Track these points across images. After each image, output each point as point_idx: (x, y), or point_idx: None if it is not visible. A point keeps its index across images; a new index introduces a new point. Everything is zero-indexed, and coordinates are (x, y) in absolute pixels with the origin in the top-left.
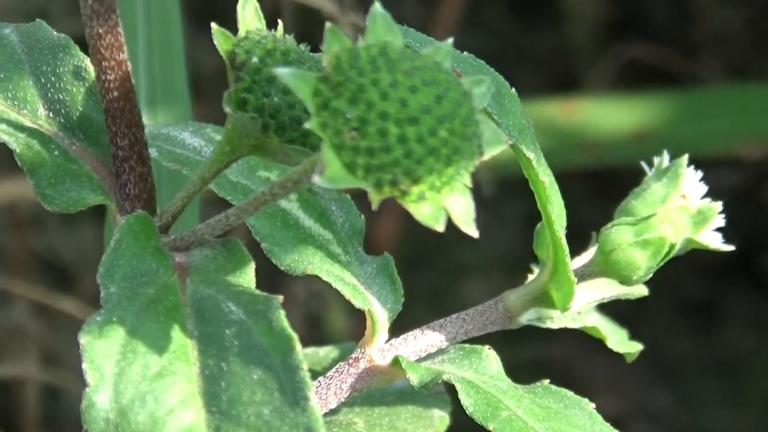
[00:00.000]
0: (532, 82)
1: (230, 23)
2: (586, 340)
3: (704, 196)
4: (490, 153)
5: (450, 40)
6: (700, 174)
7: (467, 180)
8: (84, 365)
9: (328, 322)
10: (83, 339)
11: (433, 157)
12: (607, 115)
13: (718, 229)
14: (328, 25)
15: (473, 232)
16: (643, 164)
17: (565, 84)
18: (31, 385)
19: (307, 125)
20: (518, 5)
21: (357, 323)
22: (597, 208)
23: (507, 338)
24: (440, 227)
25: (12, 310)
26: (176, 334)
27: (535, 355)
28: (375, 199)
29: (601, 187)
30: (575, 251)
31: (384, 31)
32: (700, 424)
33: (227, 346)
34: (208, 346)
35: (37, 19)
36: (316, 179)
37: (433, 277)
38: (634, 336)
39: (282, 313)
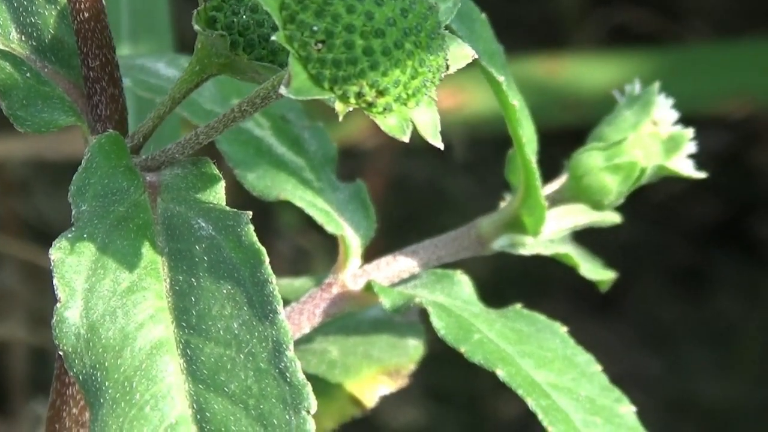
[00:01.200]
0: (518, 47)
1: None
2: (574, 306)
3: (676, 124)
4: (456, 67)
5: None
6: (671, 101)
7: (433, 93)
8: (55, 281)
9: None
10: (54, 255)
11: (399, 68)
12: (590, 74)
13: (691, 156)
14: None
15: (438, 144)
16: (615, 93)
17: (552, 49)
18: (18, 347)
19: (274, 38)
20: None
21: None
22: None
23: (494, 293)
24: (405, 138)
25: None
26: (146, 250)
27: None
28: (341, 110)
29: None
30: None
31: None
32: (690, 391)
33: (197, 262)
34: (178, 262)
35: None
36: (283, 91)
37: (415, 238)
38: (624, 303)
39: (251, 228)
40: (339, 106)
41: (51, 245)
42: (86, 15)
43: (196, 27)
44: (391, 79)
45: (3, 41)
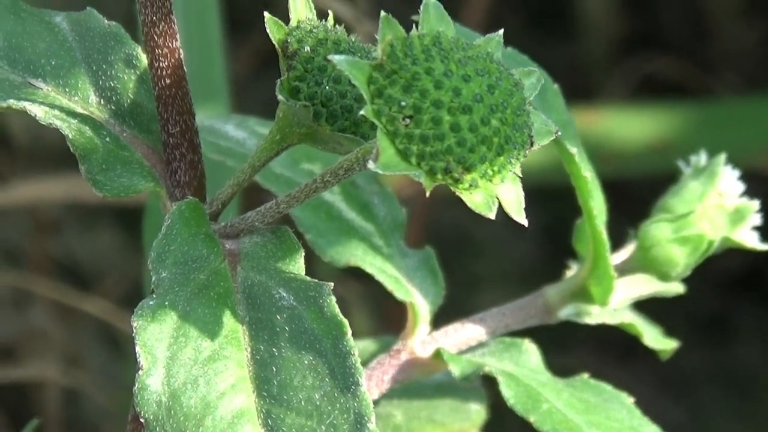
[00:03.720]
0: None
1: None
2: (598, 352)
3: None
4: (540, 143)
5: (501, 32)
6: (737, 173)
7: (518, 169)
8: (137, 348)
9: (351, 325)
10: (136, 322)
11: (485, 145)
12: (626, 126)
13: (755, 228)
14: (383, 14)
15: (523, 221)
16: (680, 163)
17: (582, 96)
18: (51, 388)
19: (362, 112)
20: (536, 18)
21: (380, 326)
22: (613, 221)
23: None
24: (491, 215)
25: (32, 313)
26: (227, 319)
27: (550, 363)
28: (428, 185)
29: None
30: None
31: (436, 21)
32: None
33: (278, 332)
34: (259, 331)
35: (88, 8)
36: (371, 165)
37: (448, 286)
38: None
39: (333, 299)
40: (426, 182)
41: (81, 285)
42: (168, 81)
43: (280, 97)
44: (477, 156)
45: (82, 105)
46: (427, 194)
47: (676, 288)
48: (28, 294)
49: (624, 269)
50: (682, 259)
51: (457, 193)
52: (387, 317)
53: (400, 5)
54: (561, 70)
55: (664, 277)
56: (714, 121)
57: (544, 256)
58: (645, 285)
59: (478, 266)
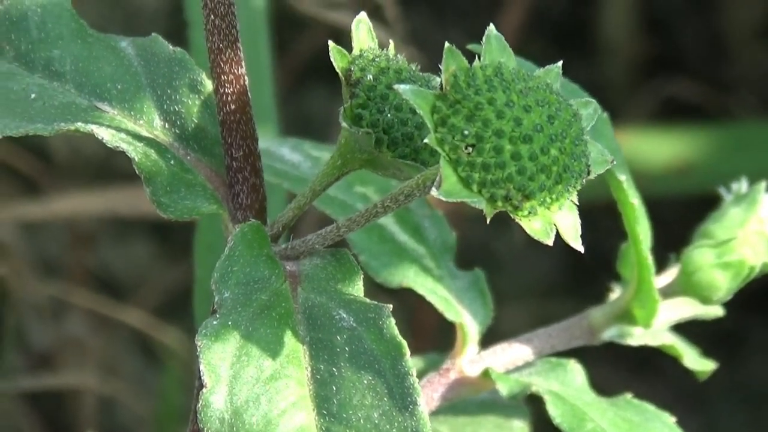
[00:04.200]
0: None
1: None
2: (612, 364)
3: None
4: (596, 172)
5: (559, 63)
6: None
7: (575, 197)
8: (201, 367)
9: None
10: (200, 341)
11: (545, 174)
12: (647, 147)
13: None
14: (447, 45)
15: (579, 247)
16: (721, 190)
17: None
18: (87, 395)
19: (426, 140)
20: (560, 40)
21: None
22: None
23: None
24: (549, 241)
25: (69, 322)
26: (288, 339)
27: None
28: (488, 212)
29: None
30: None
31: (498, 52)
32: None
33: (338, 352)
34: (320, 351)
35: (153, 34)
36: (434, 192)
37: None
38: (661, 363)
39: (392, 321)
40: (487, 209)
41: (115, 296)
42: (232, 107)
43: (343, 124)
44: (537, 184)
45: (147, 128)
46: (488, 221)
47: (716, 311)
48: (66, 304)
49: (667, 292)
50: (724, 283)
51: (516, 220)
52: (415, 330)
53: (432, 29)
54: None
55: (705, 300)
56: (734, 143)
57: (564, 272)
58: (686, 308)
59: (501, 282)
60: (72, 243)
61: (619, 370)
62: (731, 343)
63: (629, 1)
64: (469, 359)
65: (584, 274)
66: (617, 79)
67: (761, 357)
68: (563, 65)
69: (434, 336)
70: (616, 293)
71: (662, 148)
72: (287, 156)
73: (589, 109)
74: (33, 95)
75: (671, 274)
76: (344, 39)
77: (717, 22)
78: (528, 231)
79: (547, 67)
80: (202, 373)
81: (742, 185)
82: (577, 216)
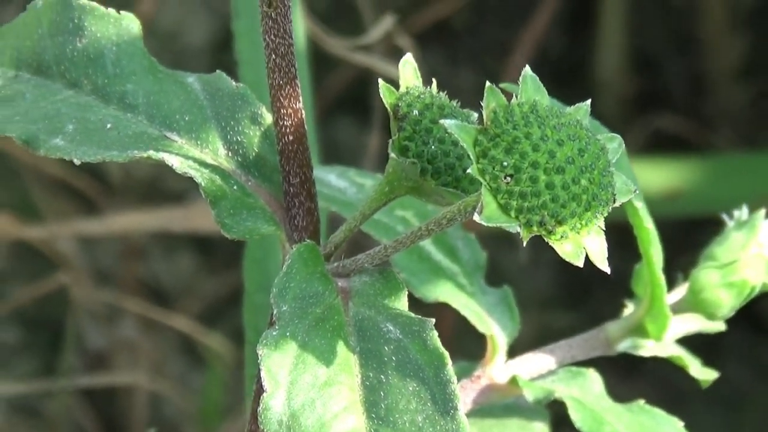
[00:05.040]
0: None
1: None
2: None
3: None
4: (621, 200)
5: (588, 101)
6: None
7: (602, 223)
8: (262, 373)
9: None
10: (261, 351)
11: (576, 202)
12: (641, 177)
13: None
14: (487, 84)
15: (606, 269)
16: (724, 216)
17: None
18: (137, 392)
19: (469, 170)
20: (557, 77)
21: None
22: (634, 260)
23: None
24: (579, 263)
25: (121, 326)
26: (341, 349)
27: None
28: (525, 236)
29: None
30: (609, 299)
31: (533, 91)
32: None
33: (386, 361)
34: (369, 360)
35: (218, 71)
36: (476, 218)
37: None
38: (646, 367)
39: (435, 333)
40: (523, 233)
41: (164, 302)
42: (291, 138)
43: (392, 155)
44: (568, 211)
45: (212, 156)
46: (524, 244)
47: (718, 326)
48: (119, 310)
49: (676, 309)
50: (728, 302)
51: (549, 243)
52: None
53: (445, 68)
54: None
55: (711, 317)
56: (717, 172)
57: (561, 285)
58: (693, 323)
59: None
60: (125, 255)
61: (608, 373)
62: (709, 351)
63: (621, 43)
64: (498, 367)
65: (580, 287)
66: (610, 113)
67: (736, 362)
68: (562, 100)
69: (450, 342)
70: (629, 309)
71: (654, 177)
72: (334, 182)
73: (614, 143)
74: (109, 125)
75: (679, 292)
76: (368, 76)
77: (699, 63)
78: (560, 253)
79: (577, 105)
80: (262, 379)
81: (743, 212)
82: (604, 240)
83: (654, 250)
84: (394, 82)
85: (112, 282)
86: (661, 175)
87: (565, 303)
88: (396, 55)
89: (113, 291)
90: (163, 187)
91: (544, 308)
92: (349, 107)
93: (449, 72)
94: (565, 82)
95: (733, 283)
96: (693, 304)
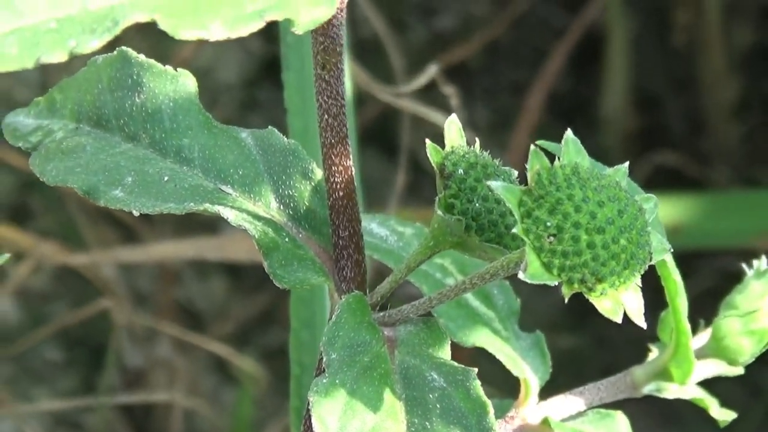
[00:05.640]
0: None
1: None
2: None
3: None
4: (657, 259)
5: (626, 164)
6: None
7: (639, 280)
8: (313, 420)
9: None
10: (312, 398)
11: (615, 260)
12: None
13: None
14: (532, 147)
15: (642, 325)
16: (744, 266)
17: None
18: (172, 409)
19: (514, 230)
20: (564, 115)
21: None
22: None
23: None
24: (618, 319)
25: (158, 346)
26: (387, 396)
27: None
28: (566, 293)
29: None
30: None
31: (575, 153)
32: None
33: (430, 408)
34: (414, 407)
35: (270, 127)
36: (521, 275)
37: None
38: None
39: (478, 382)
40: (565, 290)
41: (198, 323)
42: (341, 194)
43: (438, 212)
44: (608, 269)
45: (264, 209)
46: (566, 300)
47: (738, 370)
48: (156, 331)
49: (699, 354)
50: (749, 348)
51: (590, 300)
52: None
53: (461, 106)
54: None
55: (732, 362)
56: (715, 208)
57: (566, 306)
58: (715, 367)
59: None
60: (161, 279)
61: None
62: None
63: (624, 83)
64: (531, 409)
65: (584, 309)
66: (614, 148)
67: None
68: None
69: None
70: (654, 353)
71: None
72: (376, 230)
73: (650, 204)
74: (166, 178)
75: (701, 338)
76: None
77: (698, 101)
78: (599, 309)
79: (616, 167)
80: (314, 425)
81: (762, 262)
82: (641, 297)
83: (680, 301)
84: (434, 129)
85: (150, 304)
86: (662, 210)
87: (570, 324)
88: (427, 94)
89: (150, 313)
90: (197, 218)
91: (551, 329)
92: (377, 142)
93: (465, 109)
94: (572, 119)
95: (754, 331)
96: (715, 350)
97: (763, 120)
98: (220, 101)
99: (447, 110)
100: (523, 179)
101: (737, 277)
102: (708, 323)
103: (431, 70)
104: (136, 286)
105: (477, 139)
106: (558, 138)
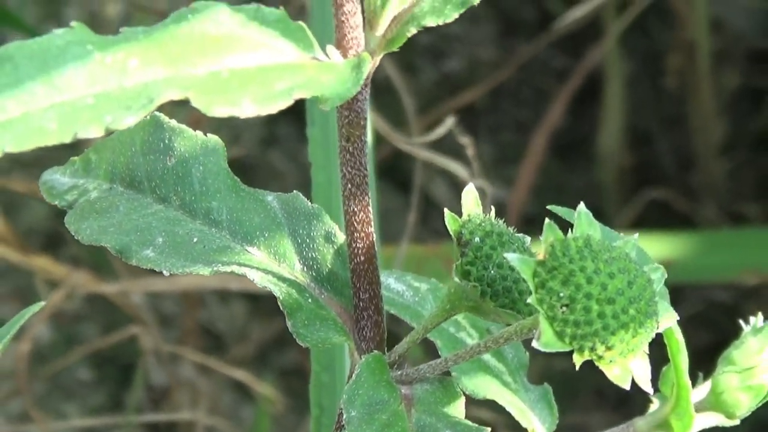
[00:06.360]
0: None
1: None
2: (597, 402)
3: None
4: (664, 327)
5: (636, 236)
6: None
7: (646, 348)
8: None
9: None
10: None
11: (624, 330)
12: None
13: None
14: (547, 220)
15: (649, 390)
16: (741, 322)
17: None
18: (197, 427)
19: (529, 300)
20: (562, 152)
21: None
22: None
23: None
24: (626, 386)
25: (182, 367)
26: None
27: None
28: (578, 361)
29: None
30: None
31: (587, 225)
32: None
33: None
34: None
35: (295, 191)
36: (535, 344)
37: None
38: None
39: None
40: (576, 358)
41: (219, 346)
42: (362, 258)
43: (455, 279)
44: (617, 338)
45: (288, 270)
46: (577, 368)
47: (735, 422)
48: (180, 353)
49: (698, 407)
50: (746, 403)
51: (600, 367)
52: None
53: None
54: (580, 192)
55: (730, 416)
56: (705, 245)
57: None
58: (713, 419)
59: None
60: (186, 304)
61: (603, 406)
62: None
63: (620, 122)
64: None
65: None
66: (609, 182)
67: None
68: (566, 171)
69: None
70: (655, 405)
71: (647, 248)
72: (392, 285)
73: (658, 273)
74: (195, 239)
75: (701, 392)
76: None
77: (687, 140)
78: (609, 376)
79: (626, 239)
80: None
81: (758, 319)
82: (648, 363)
83: (681, 358)
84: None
85: (175, 326)
86: (653, 247)
87: (564, 363)
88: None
89: (175, 333)
90: None
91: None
92: (389, 178)
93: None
94: (571, 156)
95: (751, 387)
96: (714, 404)
97: (749, 158)
98: (241, 137)
99: (458, 150)
100: (528, 220)
101: (722, 306)
102: (707, 376)
103: (448, 122)
104: (161, 308)
105: (492, 208)
106: (558, 173)
